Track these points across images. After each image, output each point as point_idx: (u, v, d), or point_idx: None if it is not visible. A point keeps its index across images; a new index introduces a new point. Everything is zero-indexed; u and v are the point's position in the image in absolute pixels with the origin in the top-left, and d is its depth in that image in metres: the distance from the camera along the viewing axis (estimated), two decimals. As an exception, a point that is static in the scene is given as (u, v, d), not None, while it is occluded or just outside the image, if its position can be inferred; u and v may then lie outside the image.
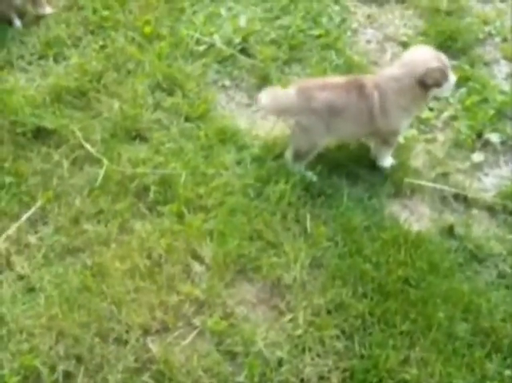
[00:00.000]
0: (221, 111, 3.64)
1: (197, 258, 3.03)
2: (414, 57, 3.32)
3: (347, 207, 3.25)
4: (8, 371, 2.71)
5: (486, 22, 4.23)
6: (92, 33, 3.95)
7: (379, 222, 3.22)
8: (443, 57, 3.29)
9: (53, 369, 2.72)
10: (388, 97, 3.25)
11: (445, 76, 3.25)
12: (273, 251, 3.05)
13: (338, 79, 3.37)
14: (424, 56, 3.28)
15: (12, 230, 3.12)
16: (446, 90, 3.35)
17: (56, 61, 3.80)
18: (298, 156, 3.31)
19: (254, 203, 3.20)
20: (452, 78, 3.30)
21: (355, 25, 4.22)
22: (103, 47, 3.86)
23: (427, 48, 3.38)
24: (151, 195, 3.21)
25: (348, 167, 3.44)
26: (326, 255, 3.07)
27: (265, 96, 3.33)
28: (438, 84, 3.25)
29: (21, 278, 2.99)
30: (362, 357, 2.82)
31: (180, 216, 3.14)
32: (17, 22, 3.95)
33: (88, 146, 3.38)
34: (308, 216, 3.17)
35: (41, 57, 3.82)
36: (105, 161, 3.30)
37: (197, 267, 3.01)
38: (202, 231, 3.08)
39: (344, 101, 3.24)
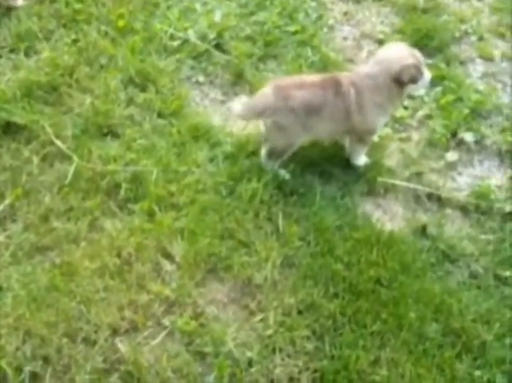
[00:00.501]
0: (194, 107, 3.61)
1: (167, 256, 3.01)
2: (389, 54, 3.31)
3: (320, 205, 3.24)
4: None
5: (462, 21, 4.25)
6: (65, 26, 3.89)
7: (351, 221, 3.22)
8: (418, 53, 3.30)
9: (19, 369, 2.68)
10: (364, 95, 3.25)
11: (420, 73, 3.26)
12: (244, 250, 3.04)
13: (314, 77, 3.35)
14: (399, 53, 3.28)
15: (-21, 228, 3.08)
16: (421, 87, 3.37)
17: (27, 54, 3.73)
18: (273, 155, 3.29)
19: (225, 202, 3.18)
20: (427, 75, 3.31)
21: (331, 22, 4.22)
22: (75, 41, 3.80)
23: (402, 45, 3.39)
24: (122, 192, 3.18)
25: (321, 165, 3.43)
26: (298, 255, 3.07)
27: (237, 104, 3.32)
28: (413, 81, 3.25)
29: (-13, 277, 2.96)
30: (332, 357, 2.82)
31: (151, 214, 3.11)
32: None
33: (58, 142, 3.33)
34: (280, 215, 3.16)
35: (11, 51, 3.75)
36: (76, 158, 3.26)
37: (167, 266, 2.98)
38: (172, 230, 3.06)
39: (320, 100, 3.23)
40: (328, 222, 3.17)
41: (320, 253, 3.07)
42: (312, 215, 3.19)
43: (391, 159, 3.54)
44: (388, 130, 3.63)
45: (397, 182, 3.43)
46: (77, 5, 3.95)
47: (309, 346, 2.84)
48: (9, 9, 3.94)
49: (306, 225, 3.15)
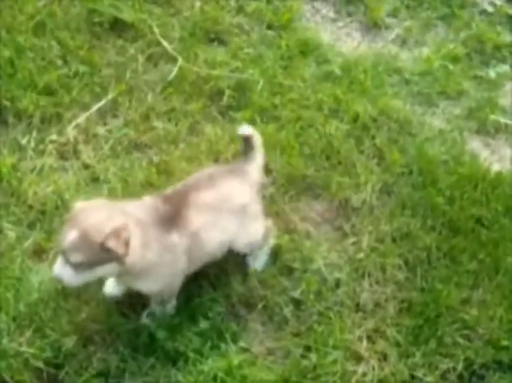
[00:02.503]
0: (305, 22, 3.58)
1: (264, 167, 3.03)
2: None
3: (426, 136, 3.19)
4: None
5: None
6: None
7: (457, 156, 3.15)
8: None
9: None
10: None
11: None
12: (343, 171, 3.03)
13: None
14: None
15: (81, 119, 3.17)
16: None
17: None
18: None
19: (328, 121, 3.16)
20: None
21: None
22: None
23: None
24: (225, 99, 3.21)
25: (430, 96, 3.37)
26: (398, 183, 3.03)
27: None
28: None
29: (86, 167, 3.06)
30: (422, 290, 2.81)
31: (252, 124, 3.09)
32: None
33: (164, 43, 3.38)
34: (384, 140, 3.13)
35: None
36: (181, 59, 3.30)
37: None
38: (272, 142, 3.06)
39: None
40: (434, 154, 3.11)
41: (421, 184, 3.02)
42: (417, 144, 3.14)
43: (506, 99, 3.42)
44: (507, 67, 3.50)
45: (510, 122, 3.32)
46: None
47: (400, 276, 2.83)
48: None
49: (410, 154, 3.11)
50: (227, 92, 3.22)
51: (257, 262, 2.81)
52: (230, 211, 2.63)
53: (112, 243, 2.31)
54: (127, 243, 2.35)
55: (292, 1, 3.61)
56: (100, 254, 2.33)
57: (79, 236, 2.32)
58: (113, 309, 2.71)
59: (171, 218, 2.51)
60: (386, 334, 2.70)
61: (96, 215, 2.39)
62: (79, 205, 2.43)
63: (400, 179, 3.05)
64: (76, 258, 2.34)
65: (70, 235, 2.33)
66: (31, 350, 2.60)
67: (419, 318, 2.72)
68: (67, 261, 2.36)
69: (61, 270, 2.40)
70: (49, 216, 2.91)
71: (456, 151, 3.17)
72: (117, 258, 2.36)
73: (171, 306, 2.68)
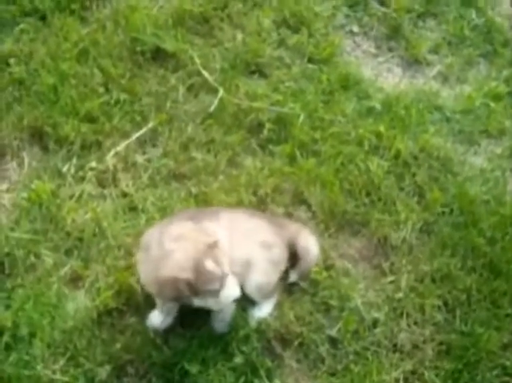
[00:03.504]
0: (346, 57, 3.61)
1: (303, 202, 3.06)
2: None
3: (467, 175, 3.20)
4: (103, 284, 2.84)
5: None
6: (222, -41, 3.96)
7: (499, 196, 3.15)
8: None
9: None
10: None
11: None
12: (383, 208, 3.04)
13: None
14: None
15: (121, 147, 3.22)
16: None
17: (183, -16, 3.84)
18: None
19: (369, 157, 3.18)
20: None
21: (501, -16, 4.07)
22: (232, -25, 3.87)
23: None
24: (265, 132, 3.24)
25: (472, 134, 3.37)
26: (439, 222, 3.04)
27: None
28: None
29: (124, 195, 3.11)
30: (462, 333, 2.80)
31: (292, 158, 3.16)
32: None
33: (206, 73, 3.42)
34: (425, 178, 3.13)
35: (167, -22, 3.88)
36: (221, 91, 3.35)
37: (302, 213, 3.03)
38: (312, 177, 3.09)
39: None
40: (475, 193, 3.11)
41: (462, 224, 3.03)
42: (458, 183, 3.14)
43: (550, 139, 3.42)
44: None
45: (553, 163, 3.31)
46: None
47: (439, 317, 2.83)
48: None
49: (451, 193, 3.11)
50: (267, 125, 3.25)
51: (261, 311, 2.81)
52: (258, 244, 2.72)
53: None
54: None
55: (333, 35, 3.64)
56: None
57: None
58: (147, 340, 2.73)
59: None
60: (424, 377, 2.70)
61: None
62: None
63: (441, 218, 3.05)
64: None
65: None
66: (65, 378, 2.64)
67: (458, 362, 2.72)
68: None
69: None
70: (86, 243, 2.97)
71: (498, 191, 3.17)
72: None
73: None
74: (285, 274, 2.84)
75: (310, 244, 2.85)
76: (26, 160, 3.26)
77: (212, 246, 2.47)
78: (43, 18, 3.69)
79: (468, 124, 3.42)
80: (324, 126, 3.26)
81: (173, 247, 2.47)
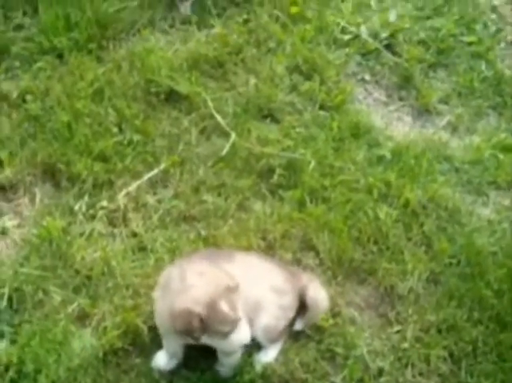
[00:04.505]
0: (357, 105, 3.70)
1: (311, 249, 3.11)
2: None
3: (474, 227, 3.25)
4: (110, 323, 2.88)
5: None
6: (237, 5, 4.06)
7: (507, 248, 3.19)
8: None
9: (153, 329, 2.85)
10: None
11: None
12: (391, 257, 3.10)
13: None
14: None
15: (133, 187, 3.30)
16: None
17: (198, 27, 3.95)
18: None
19: (378, 205, 3.25)
20: None
21: (510, 37, 4.16)
22: (246, 21, 3.97)
23: None
24: (275, 177, 3.31)
25: (481, 185, 3.44)
26: (446, 272, 3.09)
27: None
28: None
29: (134, 235, 3.17)
30: (467, 385, 2.83)
31: (301, 204, 3.23)
32: None
33: (218, 117, 3.51)
34: (433, 228, 3.20)
35: (183, 22, 3.98)
36: (234, 135, 3.43)
37: (310, 259, 3.09)
38: (320, 224, 3.15)
39: None
40: (482, 244, 3.17)
41: (469, 275, 3.07)
42: (466, 234, 3.20)
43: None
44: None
45: (561, 217, 3.37)
46: (253, -13, 4.14)
47: (444, 368, 2.86)
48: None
49: (459, 243, 3.16)
50: (278, 170, 3.33)
51: (266, 356, 2.85)
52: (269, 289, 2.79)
53: None
54: None
55: (345, 82, 3.74)
56: None
57: None
58: (152, 382, 2.78)
59: None
60: (428, 428, 2.72)
61: None
62: None
63: (448, 268, 3.10)
64: None
65: None
66: (70, 416, 2.67)
67: (463, 414, 2.74)
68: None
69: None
70: (94, 282, 3.03)
71: (505, 242, 3.21)
72: None
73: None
74: (292, 322, 2.88)
75: (320, 296, 2.90)
76: (38, 196, 3.34)
77: (231, 290, 2.54)
78: (60, 56, 3.82)
79: (477, 174, 3.48)
80: (334, 173, 3.33)
81: (194, 282, 2.55)
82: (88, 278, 3.04)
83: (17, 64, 3.82)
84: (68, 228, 3.19)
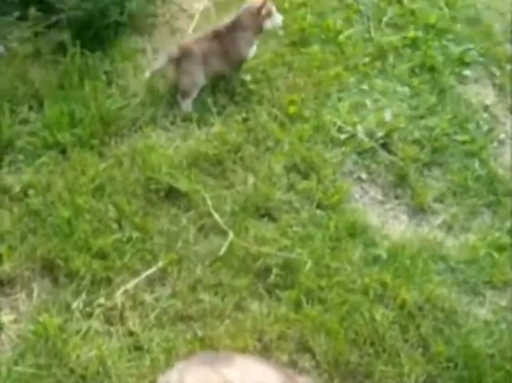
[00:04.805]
0: (354, 203, 3.77)
1: (308, 350, 3.12)
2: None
3: (471, 328, 3.27)
4: (103, 426, 2.87)
5: None
6: (237, 103, 4.19)
7: (504, 350, 3.20)
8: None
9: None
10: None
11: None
12: (387, 359, 3.10)
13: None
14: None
15: (130, 285, 3.34)
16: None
17: (198, 125, 4.07)
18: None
19: (374, 306, 3.27)
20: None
21: (503, 136, 4.27)
22: (245, 120, 4.09)
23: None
24: (272, 277, 3.36)
25: (477, 285, 3.48)
26: (443, 375, 3.09)
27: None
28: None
29: (131, 334, 3.19)
30: None
31: (298, 305, 3.26)
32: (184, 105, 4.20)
33: (216, 216, 3.58)
34: (430, 331, 3.21)
35: (184, 120, 4.09)
36: (231, 234, 3.49)
37: (306, 361, 3.09)
38: (317, 325, 3.17)
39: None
40: (479, 346, 3.18)
41: (467, 378, 3.08)
42: (463, 336, 3.21)
43: None
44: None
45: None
46: (252, 86, 4.27)
47: None
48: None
49: (455, 345, 3.17)
50: (275, 270, 3.37)
51: None
52: None
53: None
54: None
55: (341, 181, 3.83)
56: None
57: None
58: None
59: None
60: None
61: None
62: None
63: (445, 372, 3.10)
64: None
65: None
66: None
67: None
68: None
69: None
70: (89, 381, 3.03)
71: (503, 344, 3.22)
72: None
73: None
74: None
75: None
76: (36, 292, 3.38)
77: None
78: (63, 152, 3.92)
79: (472, 274, 3.52)
80: (331, 273, 3.37)
81: None
82: (83, 377, 3.04)
83: (20, 157, 3.92)
84: (65, 325, 3.21)
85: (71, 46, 4.34)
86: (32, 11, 4.65)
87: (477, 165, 4.03)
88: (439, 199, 3.88)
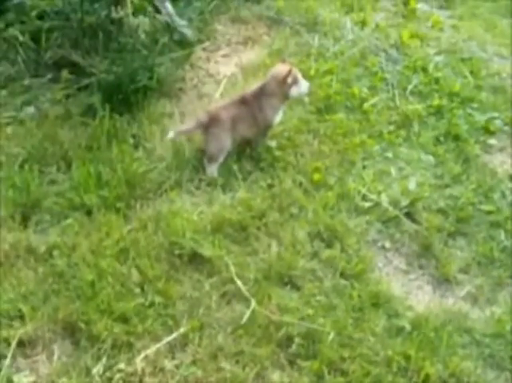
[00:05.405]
0: (377, 273, 3.78)
1: (329, 424, 3.10)
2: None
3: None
4: None
5: None
6: (262, 170, 4.28)
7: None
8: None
9: None
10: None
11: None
12: None
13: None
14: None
15: (151, 350, 3.34)
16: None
17: (223, 190, 4.14)
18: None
19: (397, 379, 3.24)
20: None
21: (528, 208, 4.30)
22: (270, 186, 4.16)
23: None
24: (294, 346, 3.35)
25: (503, 360, 3.44)
26: None
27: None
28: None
29: (150, 401, 3.19)
30: None
31: (319, 376, 3.24)
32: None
33: (239, 283, 3.60)
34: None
35: (209, 185, 4.17)
36: (254, 302, 3.50)
37: None
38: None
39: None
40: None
41: None
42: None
43: None
44: None
45: None
46: (277, 152, 4.36)
47: None
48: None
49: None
50: (297, 340, 3.36)
51: None
52: None
53: None
54: None
55: (365, 250, 3.85)
56: None
57: None
58: None
59: None
60: None
61: None
62: None
63: None
64: None
65: None
66: None
67: None
68: None
69: None
70: None
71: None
72: None
73: None
74: None
75: None
76: (56, 354, 3.39)
77: None
78: (89, 213, 3.99)
79: (499, 348, 3.48)
80: (354, 344, 3.36)
81: None
82: None
83: (47, 218, 4.00)
84: (84, 390, 3.23)
85: (100, 109, 4.50)
86: (64, 73, 4.86)
87: (502, 236, 4.03)
88: (464, 270, 3.87)
